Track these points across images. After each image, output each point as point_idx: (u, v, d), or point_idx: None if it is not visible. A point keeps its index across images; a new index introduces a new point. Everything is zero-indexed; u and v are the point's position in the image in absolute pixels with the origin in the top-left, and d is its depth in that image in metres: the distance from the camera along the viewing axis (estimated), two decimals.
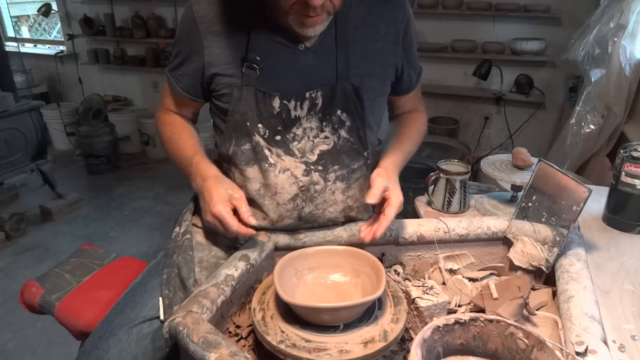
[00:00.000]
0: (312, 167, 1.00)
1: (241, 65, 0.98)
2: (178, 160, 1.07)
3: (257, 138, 0.99)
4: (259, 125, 0.98)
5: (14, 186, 3.34)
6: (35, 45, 5.37)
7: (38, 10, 4.48)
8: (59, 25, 5.08)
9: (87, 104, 3.91)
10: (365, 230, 0.95)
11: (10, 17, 5.30)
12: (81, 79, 4.85)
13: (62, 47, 4.99)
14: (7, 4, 5.19)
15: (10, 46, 4.94)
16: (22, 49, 4.95)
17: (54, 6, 4.69)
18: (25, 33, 5.53)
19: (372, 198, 0.92)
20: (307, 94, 0.98)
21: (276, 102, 0.98)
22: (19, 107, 3.03)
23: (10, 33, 5.36)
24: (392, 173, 0.99)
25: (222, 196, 0.92)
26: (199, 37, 0.98)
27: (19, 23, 5.50)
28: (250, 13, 0.98)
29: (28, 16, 5.47)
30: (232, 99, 0.98)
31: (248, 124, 0.98)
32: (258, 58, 0.98)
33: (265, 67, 0.98)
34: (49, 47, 5.23)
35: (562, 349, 0.69)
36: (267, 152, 0.99)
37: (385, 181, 0.95)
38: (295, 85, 0.99)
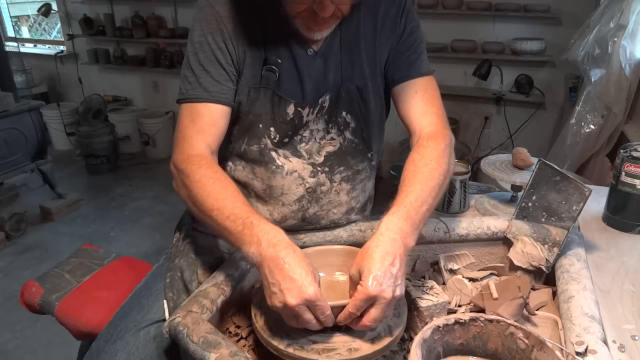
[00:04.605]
0: (318, 168, 1.00)
1: (261, 68, 0.96)
2: (219, 216, 0.80)
3: (266, 140, 0.98)
4: (271, 129, 0.97)
5: (14, 186, 3.33)
6: (35, 45, 5.36)
7: (38, 10, 4.48)
8: (59, 25, 5.08)
9: (87, 104, 3.91)
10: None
11: (10, 17, 5.29)
12: (81, 79, 4.84)
13: (62, 47, 4.99)
14: (7, 4, 5.19)
15: (10, 46, 4.93)
16: (22, 49, 4.94)
17: (54, 6, 4.69)
18: (25, 33, 5.53)
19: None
20: (319, 100, 0.98)
21: (291, 109, 0.97)
22: (19, 107, 3.02)
23: (10, 33, 5.36)
24: (371, 251, 0.74)
25: (315, 274, 0.72)
26: (227, 37, 0.94)
27: (19, 23, 5.49)
28: (263, 16, 0.95)
29: (28, 16, 5.47)
30: (248, 99, 0.96)
31: (260, 125, 0.97)
32: (279, 61, 0.95)
33: (282, 71, 0.96)
34: (49, 47, 5.23)
35: (562, 349, 0.69)
36: (274, 154, 0.98)
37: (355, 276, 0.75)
38: (308, 92, 0.98)
